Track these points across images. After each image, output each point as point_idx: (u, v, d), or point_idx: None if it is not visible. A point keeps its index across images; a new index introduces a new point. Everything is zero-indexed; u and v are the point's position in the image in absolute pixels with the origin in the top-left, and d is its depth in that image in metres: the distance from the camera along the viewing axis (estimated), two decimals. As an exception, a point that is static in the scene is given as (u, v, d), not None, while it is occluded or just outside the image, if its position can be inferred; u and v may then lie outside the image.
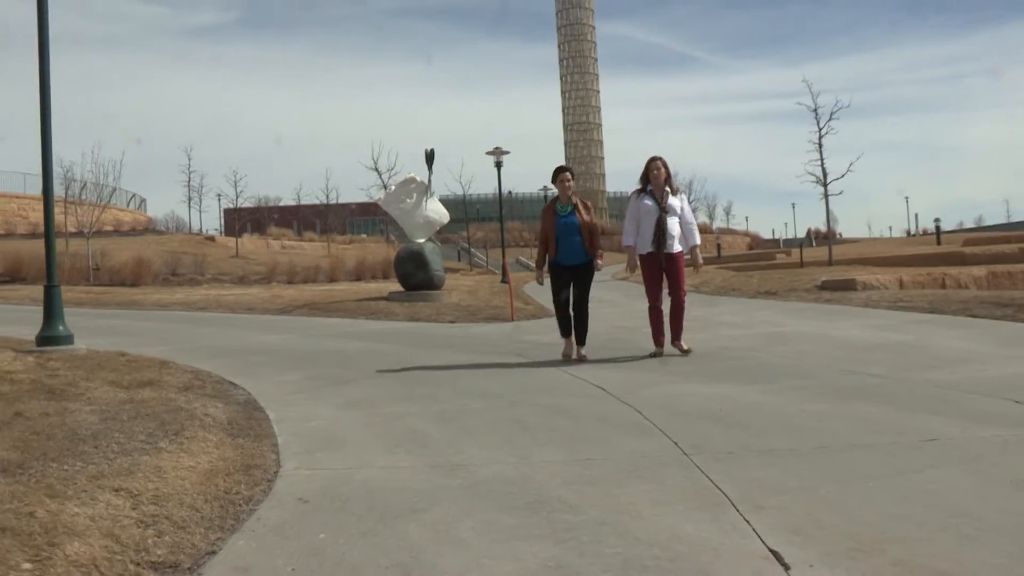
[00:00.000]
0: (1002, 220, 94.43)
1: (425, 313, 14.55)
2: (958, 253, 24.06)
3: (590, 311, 8.06)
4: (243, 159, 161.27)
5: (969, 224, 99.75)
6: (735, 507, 3.17)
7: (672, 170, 8.15)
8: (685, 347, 7.76)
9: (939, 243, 36.01)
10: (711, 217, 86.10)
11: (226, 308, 17.80)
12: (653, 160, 7.82)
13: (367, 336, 11.30)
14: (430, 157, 17.47)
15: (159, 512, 3.13)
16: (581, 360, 7.64)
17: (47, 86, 9.69)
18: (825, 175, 22.54)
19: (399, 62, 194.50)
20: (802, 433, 4.43)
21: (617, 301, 16.56)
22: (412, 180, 17.16)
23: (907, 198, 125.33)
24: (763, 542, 2.78)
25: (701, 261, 8.56)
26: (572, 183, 8.05)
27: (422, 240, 17.42)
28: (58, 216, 36.48)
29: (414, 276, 17.09)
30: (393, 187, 17.71)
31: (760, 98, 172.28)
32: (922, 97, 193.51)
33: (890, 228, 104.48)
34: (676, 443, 4.25)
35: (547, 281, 8.12)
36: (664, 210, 7.67)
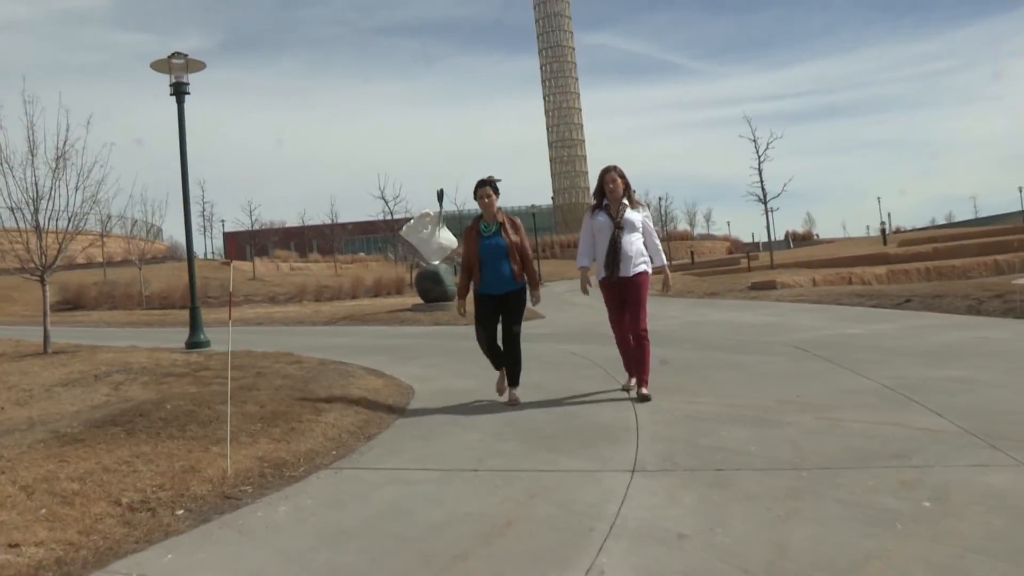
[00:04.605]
0: (970, 216, 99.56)
1: (445, 319, 18.91)
2: (883, 254, 28.61)
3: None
4: (232, 181, 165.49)
5: (940, 220, 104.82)
6: (616, 379, 7.52)
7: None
8: (646, 392, 6.60)
9: (884, 243, 40.64)
10: (692, 224, 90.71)
11: (279, 323, 22.11)
12: (607, 171, 6.84)
13: (409, 336, 15.65)
14: (440, 196, 21.87)
15: (378, 393, 7.51)
16: (514, 403, 6.77)
17: (185, 164, 14.11)
18: (765, 194, 27.06)
19: (385, 80, 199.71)
20: (673, 362, 8.81)
21: (580, 303, 20.94)
22: (427, 214, 21.51)
23: (879, 198, 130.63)
24: (625, 388, 7.15)
25: (671, 284, 7.23)
26: (494, 199, 6.87)
27: (437, 262, 21.78)
28: (114, 248, 40.85)
29: (432, 291, 21.49)
30: (412, 220, 22.03)
31: (743, 102, 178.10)
32: (900, 95, 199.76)
33: (867, 227, 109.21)
34: (603, 368, 8.61)
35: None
36: (619, 226, 6.67)
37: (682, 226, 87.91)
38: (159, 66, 14.27)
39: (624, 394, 6.89)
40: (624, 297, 6.81)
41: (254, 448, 5.11)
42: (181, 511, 4.02)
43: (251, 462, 4.81)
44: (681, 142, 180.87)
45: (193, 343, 13.90)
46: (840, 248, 46.70)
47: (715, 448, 4.76)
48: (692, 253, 52.45)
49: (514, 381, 7.01)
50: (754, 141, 27.08)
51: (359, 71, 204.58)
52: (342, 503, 4.12)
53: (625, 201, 6.79)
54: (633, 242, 6.72)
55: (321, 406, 6.56)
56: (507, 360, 7.02)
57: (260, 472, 4.67)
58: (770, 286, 19.58)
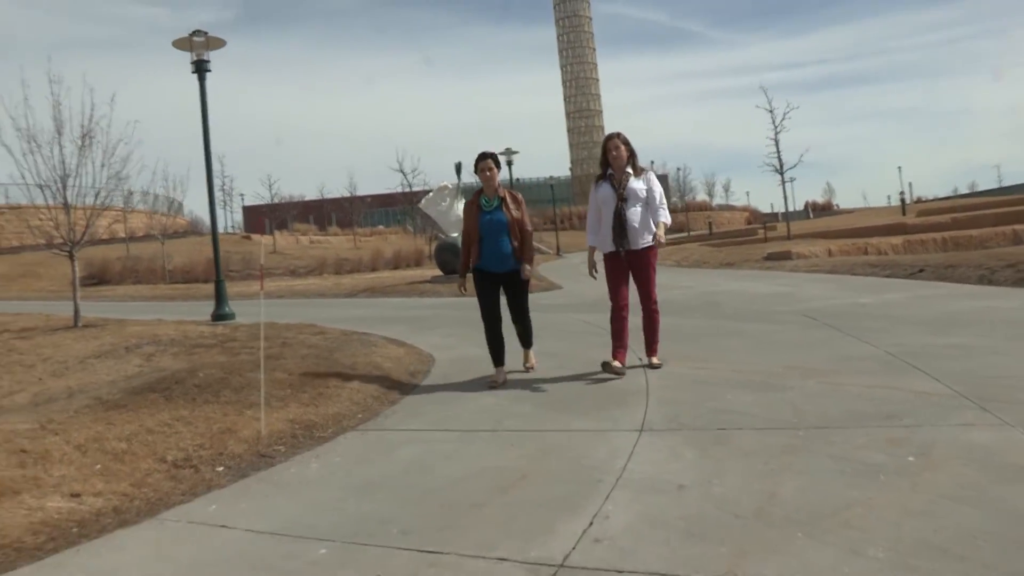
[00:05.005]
0: (994, 185, 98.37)
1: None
2: (901, 224, 28.57)
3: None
4: (248, 155, 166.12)
5: (963, 190, 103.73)
6: (634, 351, 7.81)
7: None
8: (656, 361, 6.87)
9: (904, 213, 40.52)
10: (710, 194, 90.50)
11: (300, 295, 22.49)
12: (610, 138, 6.64)
13: (429, 307, 15.97)
14: (459, 168, 22.18)
15: (399, 361, 7.83)
16: (529, 369, 7.13)
17: (208, 142, 14.42)
18: (782, 165, 27.10)
19: (399, 51, 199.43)
20: (685, 330, 9.07)
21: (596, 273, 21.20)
22: (446, 187, 21.79)
23: (900, 168, 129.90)
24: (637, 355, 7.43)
25: (663, 240, 6.71)
26: (496, 172, 6.73)
27: (456, 235, 22.04)
28: (136, 224, 41.41)
29: (451, 263, 21.78)
30: (431, 193, 22.31)
31: (762, 70, 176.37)
32: (921, 63, 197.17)
33: (888, 197, 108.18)
34: (617, 337, 8.89)
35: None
36: (623, 198, 6.47)
37: (701, 196, 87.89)
38: (181, 44, 14.54)
39: (636, 360, 7.14)
40: (632, 271, 6.73)
41: (285, 412, 5.45)
42: (221, 468, 4.37)
43: (283, 424, 5.16)
44: (700, 111, 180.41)
45: (219, 315, 14.30)
46: (859, 218, 46.56)
47: (719, 410, 5.04)
48: (710, 224, 52.52)
49: (527, 343, 7.16)
50: (770, 112, 27.12)
51: (373, 43, 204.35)
52: (369, 460, 4.46)
53: (629, 170, 6.54)
54: (639, 213, 6.49)
55: (346, 373, 6.89)
56: (518, 332, 7.08)
57: (292, 433, 5.02)
58: (785, 256, 19.73)
